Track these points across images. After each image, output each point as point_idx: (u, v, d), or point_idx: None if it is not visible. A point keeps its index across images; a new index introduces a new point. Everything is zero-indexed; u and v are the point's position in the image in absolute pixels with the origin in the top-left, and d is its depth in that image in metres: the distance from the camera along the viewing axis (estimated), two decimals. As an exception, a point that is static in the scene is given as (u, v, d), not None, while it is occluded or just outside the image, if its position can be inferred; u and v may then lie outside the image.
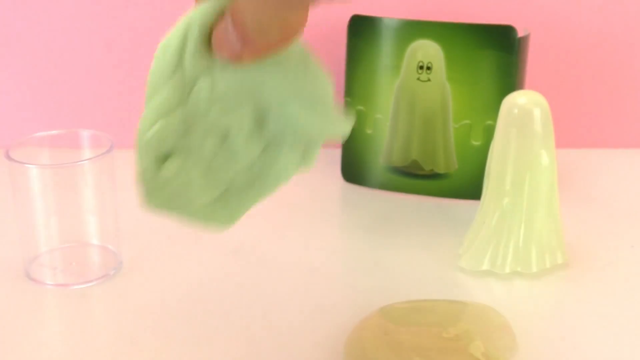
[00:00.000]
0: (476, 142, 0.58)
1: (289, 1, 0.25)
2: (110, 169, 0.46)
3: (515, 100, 0.46)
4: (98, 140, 0.47)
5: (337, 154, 0.65)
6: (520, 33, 0.55)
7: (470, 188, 0.58)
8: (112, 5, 0.67)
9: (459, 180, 0.59)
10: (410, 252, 0.51)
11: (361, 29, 0.59)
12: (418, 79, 0.58)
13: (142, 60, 0.69)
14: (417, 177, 0.60)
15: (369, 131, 0.61)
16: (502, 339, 0.39)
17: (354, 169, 0.63)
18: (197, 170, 0.29)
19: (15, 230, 0.47)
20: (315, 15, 0.74)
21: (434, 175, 0.60)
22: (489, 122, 0.57)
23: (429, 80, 0.58)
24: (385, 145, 0.60)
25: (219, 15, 0.27)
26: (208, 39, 0.28)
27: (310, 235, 0.54)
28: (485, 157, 0.49)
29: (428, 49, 0.57)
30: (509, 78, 0.56)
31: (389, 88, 0.59)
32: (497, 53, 0.55)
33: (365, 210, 0.58)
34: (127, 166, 0.63)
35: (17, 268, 0.47)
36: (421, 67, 0.57)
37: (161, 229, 0.53)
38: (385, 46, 0.58)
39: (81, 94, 0.70)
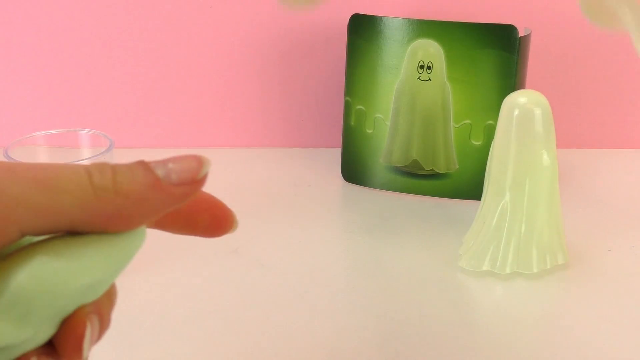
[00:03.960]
0: (477, 142, 0.58)
1: None
2: (109, 169, 0.46)
3: (516, 100, 0.46)
4: (97, 140, 0.47)
5: (337, 154, 0.65)
6: (521, 32, 0.55)
7: (470, 188, 0.58)
8: (112, 4, 0.67)
9: (459, 180, 0.59)
10: (410, 252, 0.51)
11: (361, 28, 0.59)
12: (418, 78, 0.58)
13: (142, 60, 0.69)
14: (417, 177, 0.60)
15: (369, 131, 0.60)
16: None
17: (354, 169, 0.62)
18: None
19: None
20: (316, 15, 0.74)
21: (434, 175, 0.60)
22: (490, 121, 0.56)
23: (429, 79, 0.57)
24: (386, 145, 0.60)
25: None
26: None
27: (310, 235, 0.54)
28: (485, 157, 0.49)
29: (428, 49, 0.57)
30: (510, 77, 0.56)
31: (389, 88, 0.59)
32: (498, 52, 0.55)
33: (365, 210, 0.58)
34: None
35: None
36: (422, 67, 0.57)
37: (161, 228, 0.53)
38: (386, 45, 0.58)
39: (81, 93, 0.70)
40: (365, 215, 0.57)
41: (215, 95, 0.71)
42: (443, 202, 0.60)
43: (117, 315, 0.43)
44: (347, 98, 0.61)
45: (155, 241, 0.52)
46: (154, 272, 0.48)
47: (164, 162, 0.22)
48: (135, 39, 0.68)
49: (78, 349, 0.21)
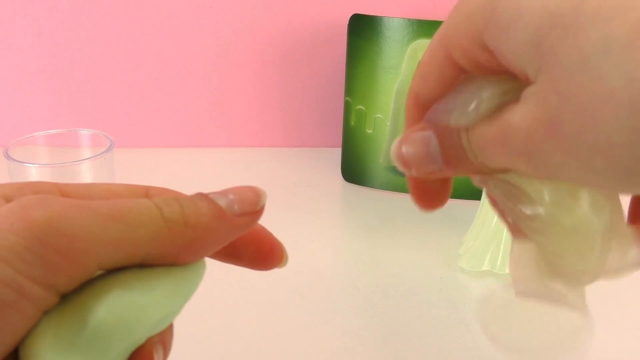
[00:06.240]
0: (476, 142, 0.58)
1: None
2: (109, 169, 0.46)
3: (516, 100, 0.46)
4: (97, 140, 0.47)
5: (337, 154, 0.65)
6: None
7: (470, 188, 0.58)
8: (112, 5, 0.67)
9: (459, 180, 0.59)
10: (410, 252, 0.51)
11: (361, 28, 0.59)
12: (418, 78, 0.58)
13: (142, 60, 0.69)
14: (417, 177, 0.60)
15: (369, 131, 0.60)
16: None
17: (354, 169, 0.62)
18: None
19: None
20: (316, 15, 0.74)
21: (434, 175, 0.60)
22: (490, 122, 0.56)
23: (429, 80, 0.57)
24: (385, 145, 0.60)
25: None
26: None
27: (311, 235, 0.54)
28: (485, 157, 0.49)
29: (428, 49, 0.57)
30: (510, 78, 0.55)
31: (389, 88, 0.59)
32: (498, 53, 0.55)
33: (365, 210, 0.58)
34: (126, 165, 0.63)
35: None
36: (421, 67, 0.57)
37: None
38: (386, 46, 0.58)
39: (81, 93, 0.70)
40: (365, 215, 0.57)
41: (215, 95, 0.71)
42: (443, 202, 0.60)
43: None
44: (347, 98, 0.61)
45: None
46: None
47: (224, 193, 0.22)
48: (135, 39, 0.68)
49: None
